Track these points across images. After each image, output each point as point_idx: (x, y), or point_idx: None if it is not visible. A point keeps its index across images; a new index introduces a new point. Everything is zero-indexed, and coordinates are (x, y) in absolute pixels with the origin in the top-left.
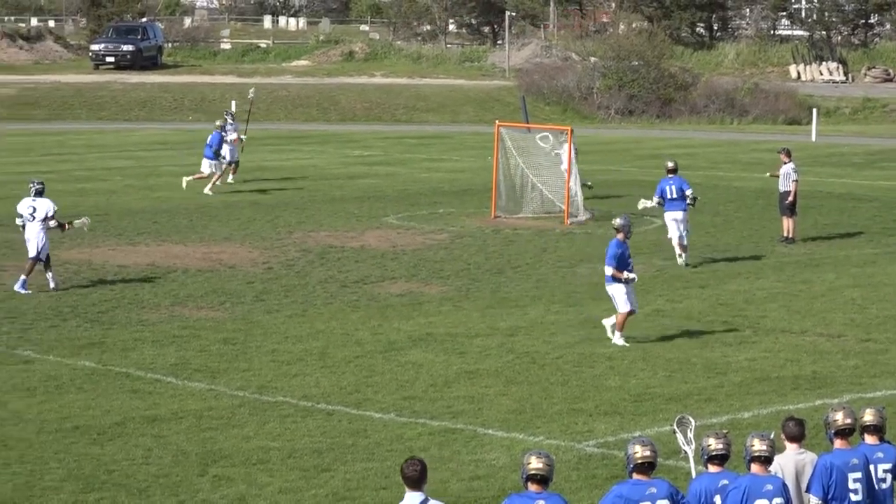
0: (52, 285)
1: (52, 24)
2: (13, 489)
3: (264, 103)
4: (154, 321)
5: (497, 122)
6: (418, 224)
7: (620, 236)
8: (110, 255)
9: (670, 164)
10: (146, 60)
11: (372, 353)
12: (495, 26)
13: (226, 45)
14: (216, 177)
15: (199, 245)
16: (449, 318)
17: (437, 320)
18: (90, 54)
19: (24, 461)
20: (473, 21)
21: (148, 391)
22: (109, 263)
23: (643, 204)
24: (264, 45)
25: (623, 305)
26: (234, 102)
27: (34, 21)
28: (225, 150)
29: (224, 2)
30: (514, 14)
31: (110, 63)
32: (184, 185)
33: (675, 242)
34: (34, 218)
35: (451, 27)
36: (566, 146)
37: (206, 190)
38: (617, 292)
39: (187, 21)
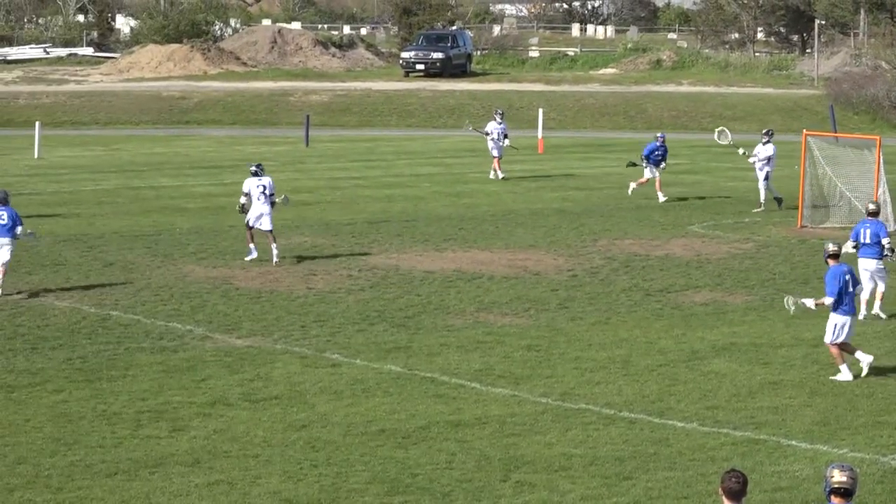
0: (275, 260)
1: (363, 32)
2: (319, 490)
3: (571, 111)
4: (459, 327)
5: (805, 131)
6: (723, 233)
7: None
8: (417, 261)
9: (871, 206)
10: (455, 68)
11: (675, 361)
12: (804, 35)
13: (534, 53)
14: (642, 181)
15: (504, 251)
16: (753, 328)
17: (741, 330)
18: (401, 62)
19: (331, 463)
20: (782, 29)
21: (452, 396)
22: (416, 269)
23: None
24: (572, 53)
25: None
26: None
27: (346, 29)
28: (490, 146)
29: (533, 10)
30: (823, 22)
31: (420, 70)
32: (629, 191)
33: (862, 297)
34: (265, 196)
35: (760, 35)
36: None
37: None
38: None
39: (496, 29)
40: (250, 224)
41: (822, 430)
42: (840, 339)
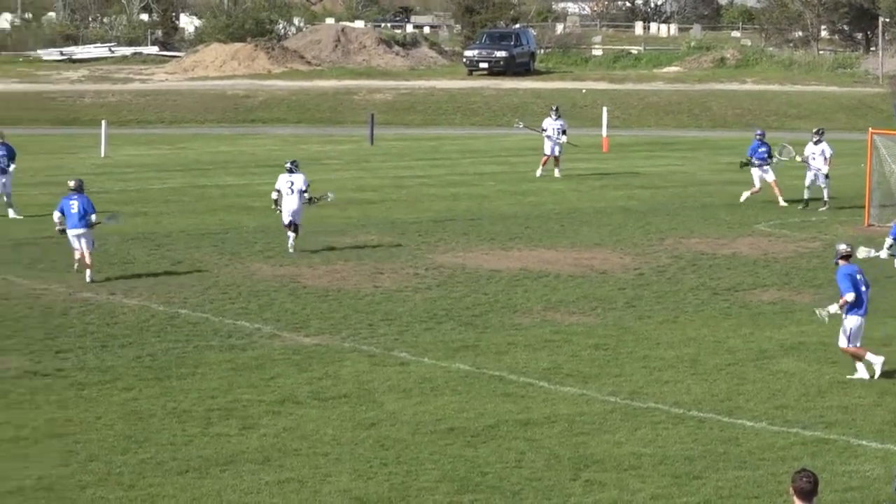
0: (290, 250)
1: (426, 30)
2: (389, 489)
3: (635, 109)
4: (526, 325)
5: (871, 129)
6: (790, 232)
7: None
8: (483, 260)
9: None
10: (519, 66)
11: (743, 360)
12: (868, 32)
13: (597, 52)
14: (755, 190)
15: (570, 250)
16: (821, 328)
17: (810, 329)
18: (464, 60)
19: (401, 461)
20: (846, 27)
21: (521, 395)
22: (483, 268)
23: (864, 253)
24: (635, 52)
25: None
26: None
27: (410, 28)
28: (546, 143)
29: (596, 8)
30: (886, 20)
31: (484, 69)
32: (741, 199)
33: None
34: (292, 191)
35: (823, 33)
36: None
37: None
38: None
39: (559, 27)
40: (285, 222)
41: (893, 430)
42: (857, 344)
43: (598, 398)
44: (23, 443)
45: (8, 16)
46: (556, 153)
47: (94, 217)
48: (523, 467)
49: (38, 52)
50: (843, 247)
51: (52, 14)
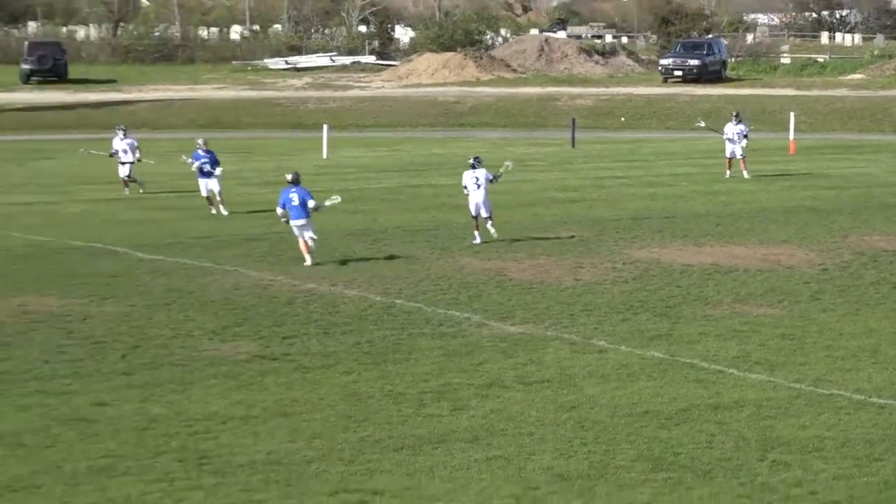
0: (476, 241)
1: (624, 40)
2: (589, 466)
3: (821, 114)
4: (717, 316)
5: None
6: None
7: None
8: (677, 255)
9: None
10: (711, 74)
11: None
12: None
13: (785, 60)
14: None
15: (758, 246)
16: None
17: None
18: (659, 68)
19: (599, 441)
20: None
21: (711, 381)
22: (676, 262)
23: None
24: (821, 60)
25: None
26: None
27: (608, 38)
28: (727, 146)
29: (784, 19)
30: None
31: (678, 76)
32: None
33: None
34: (478, 185)
35: None
36: None
37: None
38: None
39: (749, 37)
40: (473, 214)
41: None
42: None
43: (785, 385)
44: (253, 421)
45: (238, 28)
46: (739, 155)
47: (312, 203)
48: (713, 448)
49: (265, 61)
50: None
51: (277, 26)
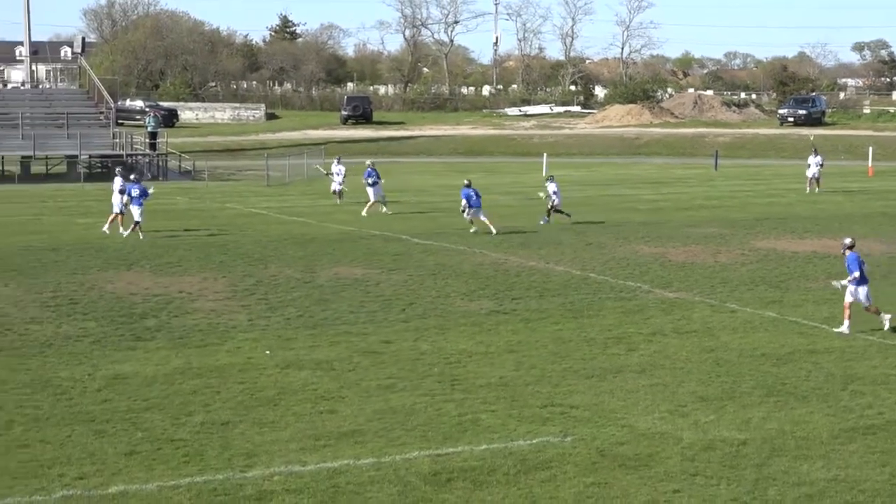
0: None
1: (753, 96)
2: (721, 392)
3: (892, 148)
4: (815, 288)
5: None
6: None
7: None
8: (787, 245)
9: None
10: (814, 120)
11: None
12: None
13: (866, 111)
14: None
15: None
16: None
17: None
18: (778, 116)
19: (729, 374)
20: None
21: (809, 333)
22: (786, 250)
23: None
24: (892, 111)
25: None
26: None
27: (742, 94)
28: (809, 171)
29: (866, 82)
30: None
31: (790, 121)
32: None
33: None
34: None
35: None
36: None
37: None
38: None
39: (841, 94)
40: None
41: None
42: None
43: (861, 337)
44: (490, 355)
45: (488, 87)
46: (817, 176)
47: (475, 199)
48: (810, 380)
49: (506, 110)
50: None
51: (514, 86)
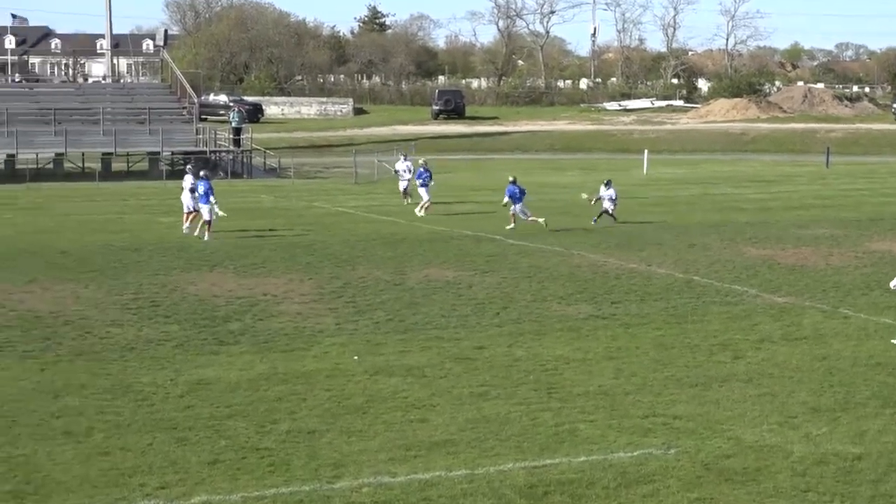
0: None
1: (867, 89)
2: (834, 402)
3: None
4: None
5: None
6: None
7: None
8: None
9: None
10: None
11: None
12: None
13: None
14: None
15: None
16: None
17: None
18: (893, 110)
19: (842, 384)
20: None
21: None
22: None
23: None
24: None
25: None
26: None
27: (855, 88)
28: None
29: None
30: None
31: None
32: None
33: None
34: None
35: None
36: None
37: None
38: None
39: None
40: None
41: None
42: None
43: None
44: (588, 362)
45: (585, 80)
46: None
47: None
48: None
49: (604, 104)
50: None
51: (614, 79)
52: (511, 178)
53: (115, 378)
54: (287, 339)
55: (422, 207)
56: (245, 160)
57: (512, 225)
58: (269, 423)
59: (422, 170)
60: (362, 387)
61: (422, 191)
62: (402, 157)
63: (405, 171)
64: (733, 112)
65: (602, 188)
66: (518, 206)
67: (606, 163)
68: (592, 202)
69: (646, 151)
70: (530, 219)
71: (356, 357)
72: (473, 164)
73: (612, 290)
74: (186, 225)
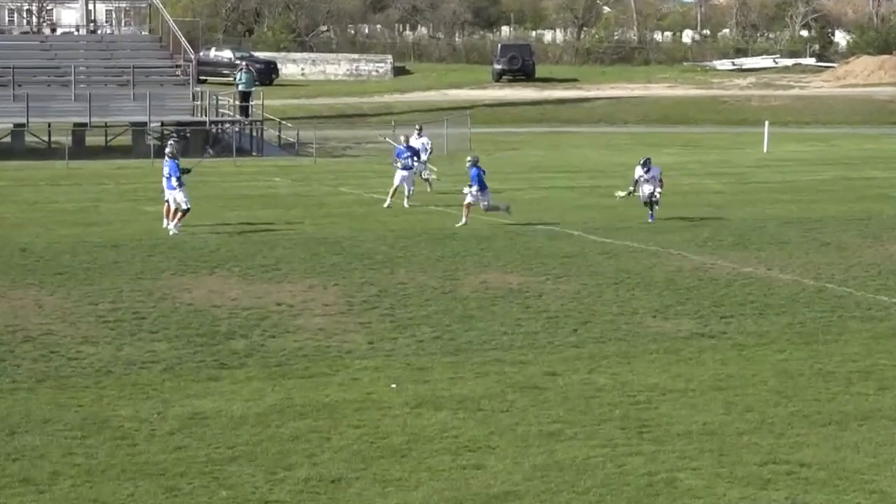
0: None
1: None
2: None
3: None
4: None
5: None
6: None
7: None
8: None
9: None
10: None
11: None
12: None
13: None
14: None
15: None
16: None
17: None
18: None
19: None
20: None
21: None
22: None
23: None
24: None
25: None
26: None
27: None
28: None
29: None
30: None
31: None
32: None
33: None
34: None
35: None
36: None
37: None
38: None
39: None
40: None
41: None
42: None
43: None
44: (690, 393)
45: (689, 32)
46: None
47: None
48: None
49: (714, 62)
50: None
51: (726, 31)
52: (470, 159)
53: (87, 410)
54: (306, 362)
55: (397, 196)
56: (255, 133)
57: (464, 221)
58: (283, 468)
59: (401, 147)
60: (401, 423)
61: (397, 176)
62: (416, 132)
63: (422, 151)
64: (880, 73)
65: (638, 168)
66: (480, 194)
67: (714, 138)
68: (631, 192)
69: (766, 123)
70: (491, 209)
71: (394, 385)
72: (545, 138)
73: (721, 301)
74: (169, 223)
